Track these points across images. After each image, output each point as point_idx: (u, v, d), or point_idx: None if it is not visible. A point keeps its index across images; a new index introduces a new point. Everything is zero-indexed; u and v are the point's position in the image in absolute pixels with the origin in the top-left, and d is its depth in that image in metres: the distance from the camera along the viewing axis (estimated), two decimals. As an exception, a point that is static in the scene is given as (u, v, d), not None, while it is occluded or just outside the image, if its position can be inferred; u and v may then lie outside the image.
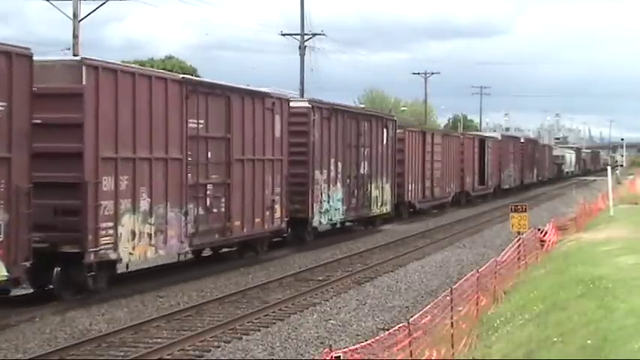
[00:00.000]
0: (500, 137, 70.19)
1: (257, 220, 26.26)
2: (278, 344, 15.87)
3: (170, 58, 71.43)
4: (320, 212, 31.47)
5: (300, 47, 53.44)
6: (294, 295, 20.63)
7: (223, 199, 24.45)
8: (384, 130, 38.52)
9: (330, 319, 18.12)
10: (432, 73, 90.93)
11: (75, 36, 36.09)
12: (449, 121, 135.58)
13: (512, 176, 71.79)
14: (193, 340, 15.99)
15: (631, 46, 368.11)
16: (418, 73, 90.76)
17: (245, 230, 25.64)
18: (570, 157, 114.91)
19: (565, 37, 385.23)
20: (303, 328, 17.26)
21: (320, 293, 21.28)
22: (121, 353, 15.06)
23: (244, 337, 16.41)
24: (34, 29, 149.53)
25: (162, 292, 20.88)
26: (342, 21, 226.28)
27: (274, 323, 17.66)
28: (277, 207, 27.59)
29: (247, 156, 25.68)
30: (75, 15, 36.09)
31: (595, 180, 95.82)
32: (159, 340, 16.04)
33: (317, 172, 31.16)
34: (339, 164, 33.29)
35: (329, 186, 32.27)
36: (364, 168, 36.13)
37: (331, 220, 33.27)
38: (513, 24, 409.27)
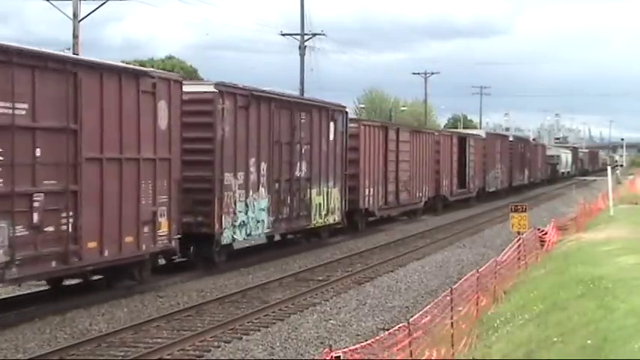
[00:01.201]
0: (484, 135, 63.36)
1: (127, 239, 19.92)
2: (278, 344, 15.88)
3: (170, 58, 71.43)
4: (234, 226, 24.85)
5: (300, 47, 53.45)
6: (294, 295, 20.63)
7: (65, 214, 17.98)
8: (331, 124, 32.06)
9: (330, 319, 18.12)
10: (432, 73, 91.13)
11: (75, 36, 36.09)
12: (448, 121, 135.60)
13: (499, 178, 65.53)
14: (193, 340, 15.99)
15: (631, 46, 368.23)
16: (418, 73, 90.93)
17: (106, 254, 19.22)
18: (566, 156, 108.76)
19: (565, 36, 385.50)
20: (303, 328, 17.27)
21: (320, 293, 21.28)
22: (121, 353, 15.06)
23: (244, 337, 16.41)
24: (33, 29, 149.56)
25: (162, 292, 20.88)
26: (341, 21, 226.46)
27: (274, 323, 17.66)
28: (162, 221, 21.25)
29: (109, 154, 19.36)
30: (75, 15, 36.09)
31: (595, 180, 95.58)
32: (159, 340, 16.04)
33: (228, 176, 24.55)
34: (263, 165, 26.63)
35: (247, 192, 25.64)
36: (301, 170, 29.46)
37: (250, 234, 26.15)
38: (513, 24, 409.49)
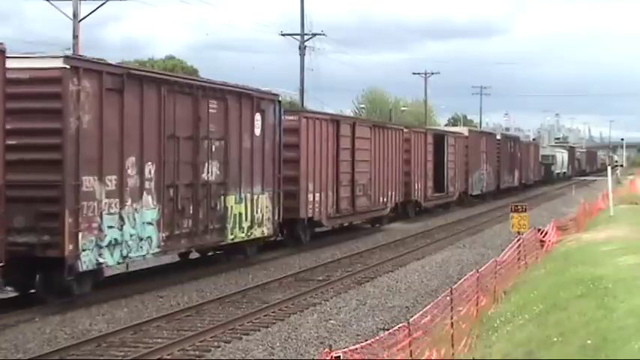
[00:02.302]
0: (467, 133, 56.87)
1: None
2: (278, 344, 15.88)
3: (171, 58, 71.41)
4: (99, 246, 19.02)
5: (300, 47, 53.44)
6: (294, 295, 20.63)
7: None
8: (257, 116, 26.06)
9: (330, 319, 18.12)
10: (432, 73, 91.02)
11: (75, 36, 36.10)
12: (449, 121, 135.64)
13: (485, 180, 59.81)
14: (193, 340, 15.99)
15: (631, 46, 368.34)
16: (418, 73, 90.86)
17: None
18: (562, 156, 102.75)
19: (565, 36, 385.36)
20: (303, 328, 17.27)
21: (320, 293, 21.28)
22: (121, 353, 15.06)
23: (244, 337, 16.41)
24: (33, 29, 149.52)
25: (162, 292, 20.88)
26: (341, 21, 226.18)
27: (274, 323, 17.67)
28: None
29: None
30: (75, 15, 36.11)
31: (595, 180, 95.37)
32: (159, 340, 16.05)
33: (89, 180, 18.78)
34: (150, 167, 20.92)
35: (123, 202, 19.86)
36: (211, 172, 23.55)
37: (127, 256, 20.19)
38: (513, 24, 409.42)
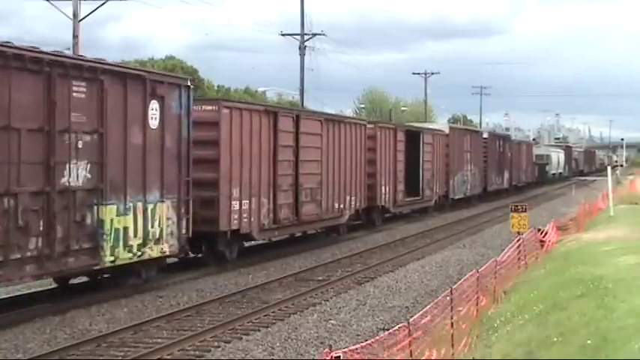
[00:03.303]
0: (447, 130, 51.60)
1: None
2: (278, 344, 15.88)
3: (171, 58, 71.39)
4: None
5: (300, 47, 53.44)
6: (294, 295, 20.63)
7: None
8: (153, 104, 20.73)
9: (330, 319, 18.12)
10: (432, 73, 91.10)
11: (75, 36, 36.11)
12: (448, 121, 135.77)
13: (469, 182, 54.76)
14: (193, 340, 15.99)
15: (631, 46, 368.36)
16: (418, 73, 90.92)
17: None
18: (557, 156, 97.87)
19: (565, 36, 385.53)
20: (303, 328, 17.27)
21: (320, 293, 21.28)
22: (121, 353, 15.06)
23: (244, 337, 16.41)
24: (33, 29, 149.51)
25: (162, 292, 20.89)
26: (341, 21, 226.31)
27: (274, 323, 17.67)
28: None
29: None
30: (75, 15, 36.12)
31: (594, 181, 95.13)
32: (159, 340, 16.04)
33: None
34: None
35: None
36: (77, 175, 18.30)
37: None
38: (512, 24, 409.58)
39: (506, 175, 67.19)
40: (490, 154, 61.16)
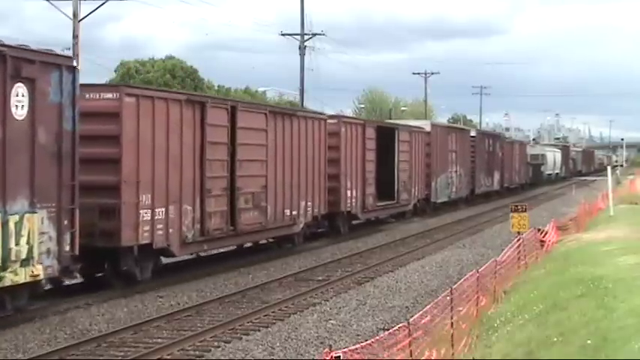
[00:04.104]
0: (429, 128, 46.49)
1: None
2: (278, 344, 15.88)
3: (171, 58, 71.40)
4: None
5: (300, 47, 53.43)
6: (294, 295, 20.63)
7: None
8: (18, 87, 16.61)
9: (330, 319, 18.12)
10: (432, 73, 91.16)
11: (75, 36, 36.10)
12: (448, 121, 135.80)
13: (454, 184, 50.83)
14: (193, 340, 15.99)
15: (631, 46, 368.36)
16: (418, 73, 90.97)
17: None
18: (553, 156, 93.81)
19: (565, 36, 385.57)
20: (303, 328, 17.27)
21: (320, 293, 21.28)
22: (121, 353, 15.06)
23: (244, 337, 16.41)
24: (33, 29, 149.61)
25: (162, 292, 20.88)
26: (341, 21, 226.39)
27: (274, 323, 17.67)
28: None
29: None
30: (75, 15, 36.11)
31: (594, 181, 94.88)
32: (159, 340, 16.05)
33: None
34: None
35: None
36: None
37: None
38: (512, 24, 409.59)
39: (497, 176, 63.31)
40: (478, 153, 57.39)
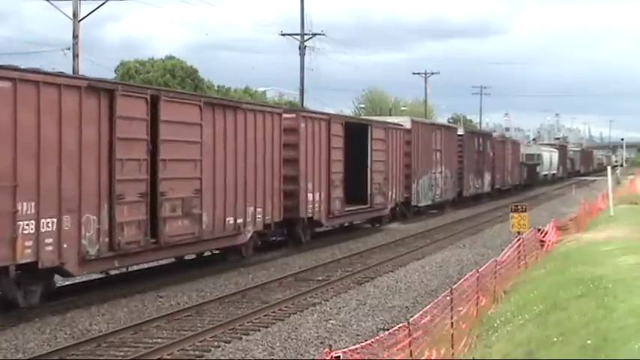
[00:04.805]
0: (409, 125, 42.32)
1: None
2: (278, 344, 15.88)
3: (171, 58, 71.39)
4: None
5: (300, 47, 53.42)
6: (294, 295, 20.63)
7: None
8: None
9: (330, 319, 18.12)
10: (432, 73, 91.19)
11: (75, 36, 36.10)
12: (448, 121, 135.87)
13: (439, 186, 47.09)
14: (193, 340, 15.98)
15: (631, 46, 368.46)
16: (418, 73, 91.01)
17: None
18: (550, 156, 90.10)
19: (565, 36, 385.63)
20: (303, 328, 17.27)
21: (320, 293, 21.28)
22: (121, 353, 15.06)
23: (244, 337, 16.41)
24: (32, 29, 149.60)
25: (162, 292, 20.88)
26: (340, 21, 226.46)
27: (274, 323, 17.66)
28: None
29: None
30: (75, 15, 36.10)
31: (595, 181, 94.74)
32: (159, 340, 16.05)
33: None
34: None
35: None
36: None
37: None
38: (511, 24, 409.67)
39: (488, 177, 59.82)
40: (467, 153, 53.77)
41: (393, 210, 40.04)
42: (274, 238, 29.14)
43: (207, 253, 25.57)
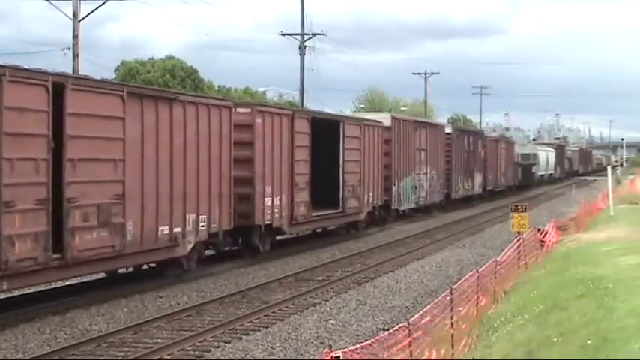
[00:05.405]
0: (389, 122, 39.08)
1: None
2: (278, 344, 15.88)
3: (171, 58, 71.37)
4: None
5: (300, 47, 53.42)
6: (294, 295, 20.63)
7: None
8: None
9: (330, 319, 18.12)
10: (432, 73, 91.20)
11: (75, 36, 36.10)
12: (448, 121, 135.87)
13: (424, 189, 44.09)
14: (193, 340, 15.98)
15: (631, 46, 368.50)
16: (418, 73, 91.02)
17: None
18: (546, 156, 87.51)
19: (564, 36, 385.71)
20: (303, 328, 17.27)
21: (320, 293, 21.28)
22: (121, 353, 15.06)
23: (244, 337, 16.41)
24: (32, 29, 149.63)
25: (162, 292, 20.88)
26: (340, 21, 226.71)
27: (274, 323, 17.67)
28: None
29: None
30: (75, 15, 36.10)
31: (595, 180, 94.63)
32: (159, 340, 16.05)
33: None
34: None
35: None
36: None
37: None
38: (511, 24, 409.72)
39: (479, 178, 56.90)
40: (455, 153, 50.88)
41: (371, 214, 36.77)
42: (229, 248, 26.13)
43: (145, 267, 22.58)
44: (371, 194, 36.14)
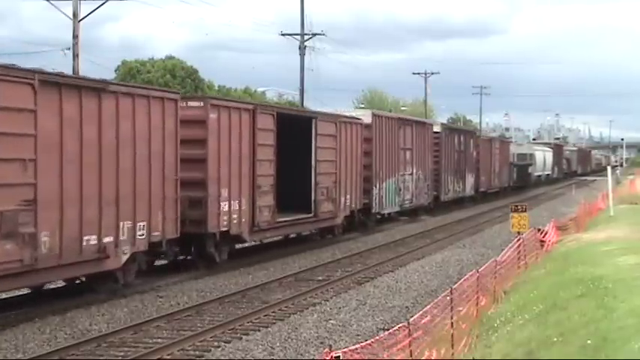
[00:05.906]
0: (370, 119, 35.80)
1: None
2: (278, 344, 15.88)
3: (171, 58, 71.37)
4: None
5: (300, 47, 53.40)
6: (294, 295, 20.63)
7: None
8: None
9: (330, 319, 18.12)
10: (432, 73, 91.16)
11: (75, 36, 36.07)
12: (448, 121, 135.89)
13: (410, 190, 41.03)
14: (193, 340, 15.98)
15: (630, 46, 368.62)
16: (418, 73, 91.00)
17: None
18: (543, 155, 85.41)
19: (564, 36, 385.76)
20: (303, 328, 17.27)
21: (320, 293, 21.28)
22: (121, 353, 15.06)
23: (244, 337, 16.42)
24: (32, 29, 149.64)
25: (162, 292, 20.89)
26: (340, 21, 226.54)
27: (274, 323, 17.67)
28: None
29: None
30: (75, 15, 36.08)
31: (595, 180, 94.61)
32: (159, 340, 16.05)
33: None
34: None
35: None
36: None
37: None
38: (510, 24, 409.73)
39: (470, 179, 54.22)
40: (445, 152, 48.11)
41: (349, 218, 33.89)
42: (182, 257, 24.01)
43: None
44: (348, 197, 33.34)
